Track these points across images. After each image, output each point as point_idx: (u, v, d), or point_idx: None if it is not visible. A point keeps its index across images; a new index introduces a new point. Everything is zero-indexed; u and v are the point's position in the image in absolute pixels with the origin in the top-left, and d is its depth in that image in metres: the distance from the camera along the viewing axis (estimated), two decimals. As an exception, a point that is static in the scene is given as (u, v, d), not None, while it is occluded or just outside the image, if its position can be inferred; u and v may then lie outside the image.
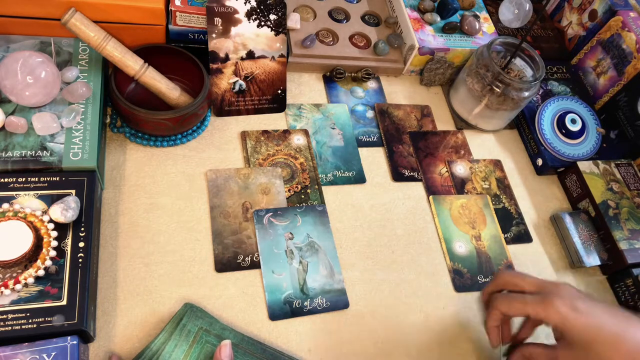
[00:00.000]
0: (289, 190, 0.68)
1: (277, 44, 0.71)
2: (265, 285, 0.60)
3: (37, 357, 0.45)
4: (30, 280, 0.48)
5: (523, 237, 0.74)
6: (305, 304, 0.60)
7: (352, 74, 0.82)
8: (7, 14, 0.60)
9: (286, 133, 0.73)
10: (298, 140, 0.72)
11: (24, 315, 0.47)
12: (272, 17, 0.70)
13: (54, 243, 0.50)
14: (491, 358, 0.62)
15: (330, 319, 0.60)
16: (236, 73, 0.71)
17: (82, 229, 0.52)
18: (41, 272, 0.48)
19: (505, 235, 0.73)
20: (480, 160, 0.79)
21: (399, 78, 0.85)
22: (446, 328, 0.63)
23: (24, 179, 0.53)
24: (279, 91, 0.74)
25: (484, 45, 0.77)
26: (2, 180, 0.53)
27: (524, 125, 0.84)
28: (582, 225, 0.74)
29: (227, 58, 0.69)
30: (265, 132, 0.72)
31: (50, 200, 0.53)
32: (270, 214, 0.65)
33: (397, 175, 0.74)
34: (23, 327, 0.46)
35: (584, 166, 0.77)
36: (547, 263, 0.72)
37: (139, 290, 0.56)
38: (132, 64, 0.61)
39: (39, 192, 0.53)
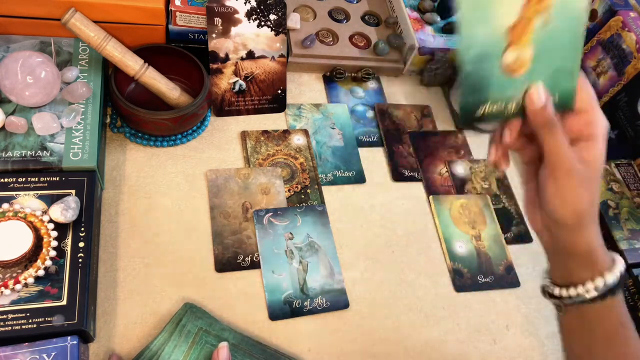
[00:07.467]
0: (289, 190, 0.68)
1: (277, 44, 0.71)
2: (265, 285, 0.60)
3: (37, 357, 0.45)
4: (30, 280, 0.48)
5: (523, 237, 0.74)
6: (305, 304, 0.60)
7: (352, 74, 0.81)
8: (7, 14, 0.60)
9: (286, 133, 0.73)
10: (298, 140, 0.72)
11: (24, 315, 0.47)
12: (272, 17, 0.70)
13: (54, 243, 0.50)
14: None
15: (330, 319, 0.60)
16: (236, 73, 0.71)
17: (82, 229, 0.52)
18: (41, 272, 0.48)
19: (506, 235, 0.73)
20: (480, 160, 0.79)
21: (399, 78, 0.85)
22: (446, 328, 0.63)
23: (24, 179, 0.53)
24: (279, 91, 0.74)
25: (484, 45, 0.77)
26: (2, 180, 0.53)
27: (524, 125, 0.83)
28: (582, 225, 0.73)
29: (227, 58, 0.69)
30: (265, 132, 0.72)
31: (50, 200, 0.53)
32: (270, 214, 0.65)
33: (397, 175, 0.74)
34: (23, 327, 0.46)
35: (584, 166, 0.77)
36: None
37: (139, 290, 0.56)
38: (132, 64, 0.61)
39: (39, 192, 0.53)
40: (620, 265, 0.43)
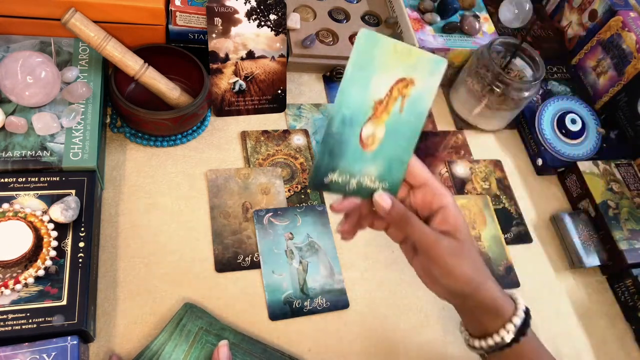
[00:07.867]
0: (289, 190, 0.68)
1: (277, 44, 0.71)
2: (265, 285, 0.60)
3: (37, 357, 0.45)
4: (30, 280, 0.48)
5: (523, 237, 0.74)
6: (305, 304, 0.60)
7: (352, 74, 0.81)
8: (7, 14, 0.60)
9: (286, 133, 0.73)
10: (298, 140, 0.72)
11: (24, 315, 0.47)
12: (272, 17, 0.70)
13: (54, 243, 0.50)
14: None
15: (330, 319, 0.60)
16: (236, 73, 0.71)
17: (82, 229, 0.52)
18: (41, 272, 0.48)
19: (505, 235, 0.73)
20: (480, 161, 0.79)
21: (399, 78, 0.85)
22: (446, 328, 0.63)
23: (24, 179, 0.53)
24: (279, 91, 0.74)
25: (484, 46, 0.77)
26: (2, 180, 0.53)
27: (524, 125, 0.83)
28: (582, 226, 0.73)
29: (227, 58, 0.69)
30: (265, 132, 0.72)
31: (50, 200, 0.53)
32: (270, 214, 0.65)
33: (397, 175, 0.74)
34: (23, 327, 0.46)
35: (584, 166, 0.77)
36: (547, 263, 0.72)
37: (139, 290, 0.56)
38: (132, 64, 0.61)
39: (39, 192, 0.53)
40: (522, 305, 0.47)
